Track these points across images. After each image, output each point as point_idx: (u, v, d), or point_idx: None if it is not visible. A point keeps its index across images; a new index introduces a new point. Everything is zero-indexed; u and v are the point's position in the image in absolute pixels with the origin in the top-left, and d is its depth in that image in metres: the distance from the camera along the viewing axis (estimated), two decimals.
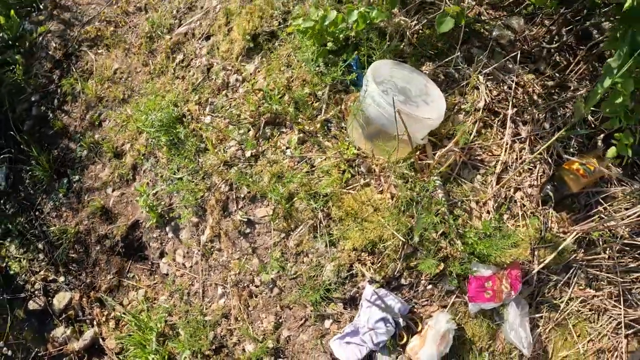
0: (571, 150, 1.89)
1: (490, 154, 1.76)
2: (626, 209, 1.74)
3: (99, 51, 2.50)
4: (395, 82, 1.59)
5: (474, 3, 2.09)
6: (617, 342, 1.72)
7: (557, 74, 2.03)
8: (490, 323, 1.62)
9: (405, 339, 1.49)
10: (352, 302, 1.56)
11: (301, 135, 1.74)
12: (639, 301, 1.78)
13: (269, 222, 1.71)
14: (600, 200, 1.80)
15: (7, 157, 2.36)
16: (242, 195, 1.81)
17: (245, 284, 1.75)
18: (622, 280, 1.76)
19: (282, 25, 1.98)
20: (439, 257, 1.55)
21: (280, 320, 1.67)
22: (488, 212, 1.64)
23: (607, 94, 1.47)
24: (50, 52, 2.58)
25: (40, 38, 2.62)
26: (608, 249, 1.78)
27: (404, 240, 1.47)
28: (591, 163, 1.77)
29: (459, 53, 1.83)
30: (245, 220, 1.78)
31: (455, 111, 1.79)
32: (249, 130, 1.85)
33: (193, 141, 1.92)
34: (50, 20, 2.68)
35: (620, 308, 1.73)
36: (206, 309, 1.82)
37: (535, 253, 1.66)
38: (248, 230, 1.79)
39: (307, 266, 1.62)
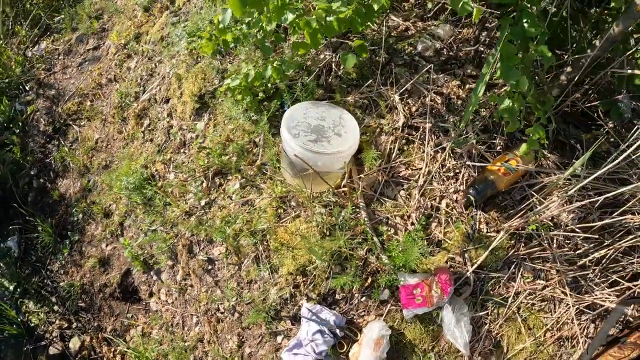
0: (498, 149, 2.01)
1: (413, 168, 1.92)
2: (560, 197, 1.84)
3: (82, 123, 2.84)
4: (309, 122, 1.79)
5: (401, 21, 2.26)
6: (578, 328, 1.78)
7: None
8: (430, 325, 1.76)
9: (345, 348, 1.67)
10: (296, 319, 1.76)
11: (242, 180, 1.96)
12: (594, 285, 1.81)
13: (224, 259, 1.94)
14: (533, 192, 1.89)
15: (17, 228, 2.72)
16: (202, 239, 2.05)
17: (213, 312, 1.98)
18: (569, 268, 1.83)
19: (220, 83, 2.22)
20: (367, 271, 1.72)
21: (242, 340, 1.88)
22: (412, 223, 1.80)
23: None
24: (41, 129, 2.95)
25: (31, 117, 2.99)
26: (549, 239, 1.87)
27: (327, 262, 1.65)
28: (514, 159, 1.87)
29: (378, 78, 2.01)
30: (206, 259, 2.01)
31: (377, 134, 1.97)
32: (202, 182, 2.09)
33: (160, 198, 2.18)
34: (37, 99, 3.06)
35: (573, 296, 1.78)
36: (186, 336, 2.06)
37: (466, 255, 1.80)
38: (210, 267, 2.03)
39: (257, 292, 1.83)
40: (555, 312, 1.80)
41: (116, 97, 2.69)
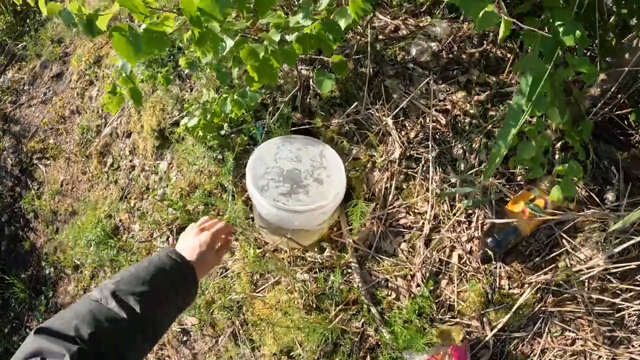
0: (518, 179, 1.60)
1: (415, 212, 1.52)
2: (597, 243, 1.44)
3: (47, 162, 2.53)
4: (282, 167, 1.41)
5: (389, 19, 1.83)
6: None
7: (492, 79, 1.73)
8: None
9: None
10: None
11: None
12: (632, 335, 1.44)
13: (197, 331, 1.61)
14: (563, 234, 1.49)
15: None
16: None
17: None
18: (605, 320, 1.44)
19: (181, 114, 1.85)
20: (365, 347, 1.36)
21: None
22: (417, 285, 1.42)
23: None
24: (8, 170, 2.66)
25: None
26: (583, 288, 1.47)
27: (316, 341, 1.30)
28: (542, 196, 1.47)
29: (366, 95, 1.61)
30: (180, 329, 1.69)
31: (369, 169, 1.57)
32: (167, 237, 1.75)
33: (124, 256, 1.86)
34: (4, 135, 2.76)
35: (607, 348, 1.42)
36: None
37: (484, 319, 1.42)
38: (185, 338, 1.71)
39: None
40: None
41: (78, 132, 2.36)
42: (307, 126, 1.68)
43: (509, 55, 1.82)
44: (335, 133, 1.64)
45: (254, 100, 1.49)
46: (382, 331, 1.35)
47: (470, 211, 1.53)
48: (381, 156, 1.55)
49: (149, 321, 0.67)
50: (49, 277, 2.35)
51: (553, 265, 1.43)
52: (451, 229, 1.52)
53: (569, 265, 1.39)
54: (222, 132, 1.72)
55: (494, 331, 1.41)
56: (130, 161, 2.07)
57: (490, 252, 1.40)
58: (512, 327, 1.45)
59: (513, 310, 1.39)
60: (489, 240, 1.44)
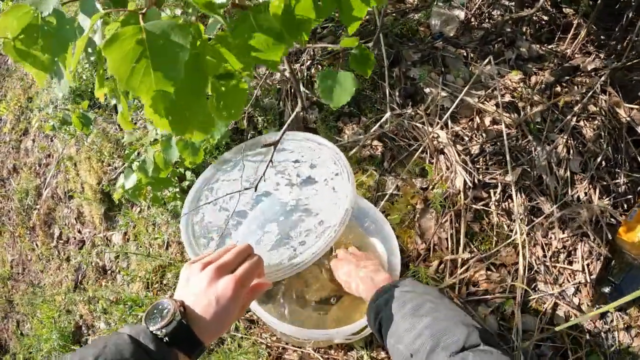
0: (623, 189, 0.96)
1: (498, 266, 0.86)
2: None
3: None
4: (263, 213, 0.72)
5: None
6: None
7: (548, 50, 1.07)
8: None
9: None
10: None
11: None
12: None
13: None
14: None
15: None
16: None
17: None
18: None
19: (125, 165, 1.15)
20: None
21: None
22: None
23: None
24: None
25: None
26: None
27: None
28: None
29: (388, 92, 0.92)
30: None
31: (420, 211, 0.90)
32: None
33: None
34: None
35: None
36: None
37: None
38: None
39: None
40: None
41: (17, 198, 1.64)
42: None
43: (559, 18, 1.14)
44: (354, 160, 0.96)
45: (222, 135, 0.80)
46: None
47: (570, 248, 0.88)
48: (433, 187, 0.87)
49: None
50: None
51: None
52: (551, 282, 0.87)
53: None
54: (185, 185, 1.03)
55: None
56: (79, 232, 1.38)
57: (610, 302, 0.77)
58: None
59: None
60: (606, 289, 0.82)
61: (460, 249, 0.86)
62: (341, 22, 0.51)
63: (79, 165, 1.31)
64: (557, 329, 0.89)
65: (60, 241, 1.51)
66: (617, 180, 1.05)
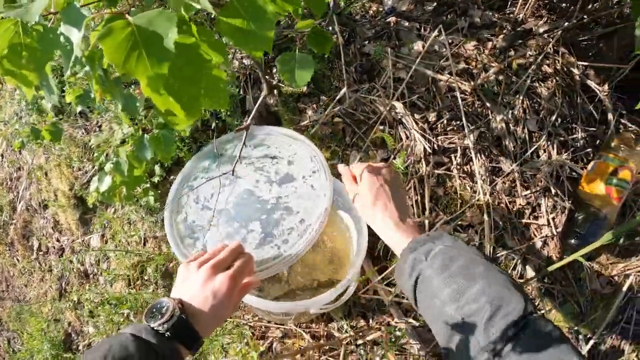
0: (580, 143, 1.00)
1: (465, 226, 0.90)
2: None
3: None
4: (245, 211, 0.74)
5: None
6: None
7: (499, 17, 1.11)
8: None
9: None
10: None
11: None
12: None
13: None
14: None
15: None
16: None
17: None
18: None
19: (94, 168, 1.15)
20: None
21: None
22: None
23: None
24: None
25: None
26: None
27: None
28: (624, 165, 0.89)
29: (344, 72, 0.94)
30: None
31: None
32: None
33: None
34: None
35: None
36: None
37: (580, 336, 0.84)
38: None
39: None
40: None
41: None
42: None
43: None
44: (316, 138, 0.98)
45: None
46: None
47: (534, 203, 0.92)
48: (394, 157, 0.90)
49: None
50: None
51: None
52: (518, 237, 0.91)
53: None
54: (156, 179, 1.04)
55: (589, 345, 0.85)
56: (57, 240, 1.38)
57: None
58: (605, 330, 0.89)
59: (610, 316, 0.83)
60: (572, 240, 0.86)
61: (427, 213, 0.89)
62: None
63: (50, 173, 1.31)
64: (528, 279, 0.93)
65: (40, 252, 1.51)
66: (575, 136, 1.09)
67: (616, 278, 0.94)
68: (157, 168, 1.07)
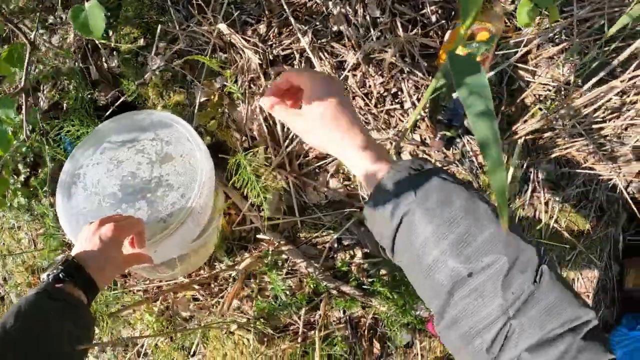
0: (437, 19, 0.99)
1: None
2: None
3: None
4: (132, 192, 0.75)
5: None
6: None
7: None
8: None
9: None
10: None
11: None
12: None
13: None
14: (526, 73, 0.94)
15: None
16: None
17: None
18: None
19: None
20: (366, 336, 0.83)
21: None
22: None
23: None
24: None
25: None
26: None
27: None
28: (480, 27, 0.90)
29: (169, 10, 0.90)
30: None
31: (229, 106, 0.92)
32: None
33: None
34: None
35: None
36: None
37: None
38: None
39: None
40: None
41: None
42: (122, 99, 0.97)
43: None
44: (161, 86, 0.95)
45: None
46: (371, 303, 0.81)
47: (393, 90, 0.93)
48: (235, 81, 0.88)
49: None
50: None
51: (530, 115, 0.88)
52: (383, 127, 0.92)
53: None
54: (21, 177, 1.00)
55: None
56: None
57: (449, 131, 0.83)
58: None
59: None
60: (440, 116, 0.87)
61: (278, 127, 0.89)
62: None
63: None
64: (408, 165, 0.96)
65: None
66: (424, 11, 1.08)
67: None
68: (20, 166, 1.03)
